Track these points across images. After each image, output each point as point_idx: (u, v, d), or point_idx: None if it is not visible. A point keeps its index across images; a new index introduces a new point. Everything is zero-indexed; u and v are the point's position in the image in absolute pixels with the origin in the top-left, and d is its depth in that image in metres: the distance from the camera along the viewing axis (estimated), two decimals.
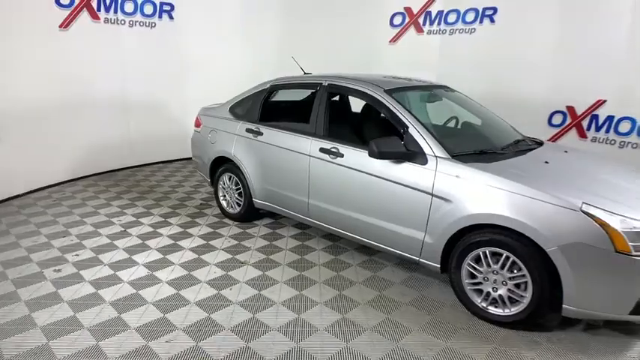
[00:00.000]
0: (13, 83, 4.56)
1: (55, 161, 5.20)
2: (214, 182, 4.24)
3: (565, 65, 5.33)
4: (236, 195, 4.03)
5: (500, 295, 2.44)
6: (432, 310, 2.67)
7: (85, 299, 2.76)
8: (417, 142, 2.72)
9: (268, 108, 3.88)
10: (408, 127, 2.79)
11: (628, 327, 2.50)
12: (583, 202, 2.17)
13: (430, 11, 6.46)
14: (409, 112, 2.88)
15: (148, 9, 5.75)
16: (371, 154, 2.76)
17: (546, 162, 2.71)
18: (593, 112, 5.32)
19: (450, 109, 3.63)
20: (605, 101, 5.20)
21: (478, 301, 2.53)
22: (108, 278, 3.03)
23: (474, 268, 2.51)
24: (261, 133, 3.68)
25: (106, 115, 5.63)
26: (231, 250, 3.51)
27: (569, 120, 5.54)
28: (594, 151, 5.08)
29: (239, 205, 4.03)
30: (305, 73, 4.12)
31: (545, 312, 2.34)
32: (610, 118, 5.21)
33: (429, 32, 6.51)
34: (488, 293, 2.48)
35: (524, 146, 3.02)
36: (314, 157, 3.24)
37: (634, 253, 2.06)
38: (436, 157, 2.63)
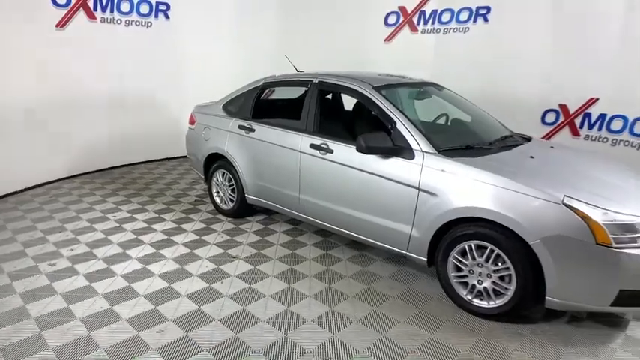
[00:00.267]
0: (10, 82, 4.61)
1: (52, 159, 5.24)
2: (208, 179, 4.28)
3: (558, 64, 5.37)
4: (229, 191, 4.07)
5: (485, 288, 2.48)
6: (419, 303, 2.72)
7: (79, 291, 2.80)
8: (404, 138, 2.76)
9: (260, 105, 3.92)
10: (395, 123, 2.84)
11: (610, 319, 2.54)
12: (565, 196, 2.21)
13: (424, 10, 6.50)
14: (397, 108, 2.92)
15: (144, 8, 5.80)
16: (359, 149, 2.80)
17: (531, 157, 2.76)
18: (586, 111, 5.36)
19: (439, 107, 3.67)
20: (597, 99, 5.23)
21: (464, 293, 2.57)
22: (101, 272, 3.07)
23: (460, 262, 2.55)
24: (253, 130, 3.72)
25: (102, 114, 5.67)
26: (223, 244, 3.55)
27: (562, 118, 5.58)
28: (587, 149, 5.12)
29: (232, 201, 4.07)
30: (297, 71, 4.16)
31: (528, 304, 2.38)
32: (602, 116, 5.25)
33: (424, 31, 6.55)
34: (474, 286, 2.53)
35: (511, 142, 3.06)
36: (304, 153, 3.28)
37: (614, 245, 2.10)
38: (423, 152, 2.68)
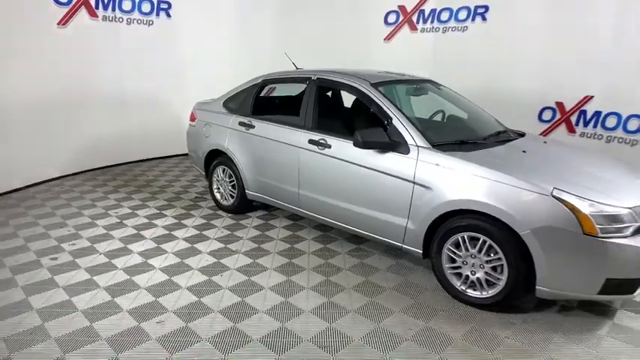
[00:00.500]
0: (12, 79, 4.67)
1: (54, 156, 5.31)
2: (209, 175, 4.34)
3: (554, 62, 5.43)
4: (229, 187, 4.13)
5: (478, 278, 2.54)
6: (415, 294, 2.78)
7: (80, 285, 2.86)
8: (399, 133, 2.82)
9: (260, 102, 3.98)
10: (391, 119, 2.90)
11: (599, 307, 2.60)
12: (554, 188, 2.27)
13: (424, 9, 6.56)
14: (393, 104, 2.98)
15: (146, 7, 5.86)
16: (356, 144, 2.86)
17: (524, 151, 2.82)
18: (582, 108, 5.43)
19: (436, 103, 3.73)
20: (592, 97, 5.30)
21: (458, 284, 2.63)
22: (103, 265, 3.13)
23: (454, 253, 2.61)
24: (253, 126, 3.78)
25: (104, 112, 5.73)
26: (223, 239, 3.61)
27: (558, 116, 5.64)
28: (583, 146, 5.18)
29: (232, 197, 4.13)
30: (297, 69, 4.22)
31: (520, 294, 2.44)
32: (597, 113, 5.31)
33: (423, 30, 6.61)
34: (467, 276, 2.59)
35: (504, 137, 3.12)
36: (303, 148, 3.34)
37: (601, 235, 2.16)
38: (418, 146, 2.74)
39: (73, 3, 5.15)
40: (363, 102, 3.24)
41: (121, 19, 5.67)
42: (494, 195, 2.38)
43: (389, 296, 2.74)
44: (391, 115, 2.91)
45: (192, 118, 4.50)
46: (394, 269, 3.10)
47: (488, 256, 2.47)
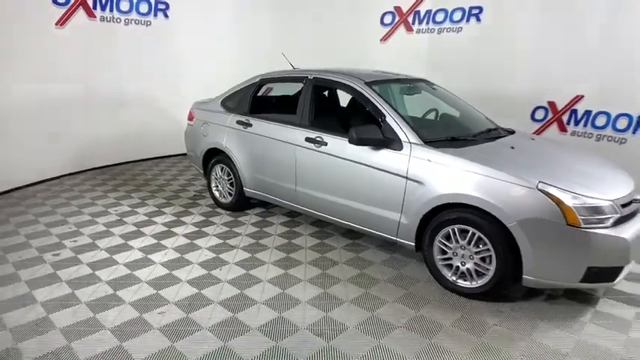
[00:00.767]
0: (11, 79, 4.73)
1: (54, 156, 5.37)
2: (207, 173, 4.43)
3: (547, 62, 5.56)
4: (228, 185, 4.22)
5: (468, 269, 2.64)
6: (408, 285, 2.88)
7: (83, 279, 2.94)
8: (393, 130, 2.92)
9: (258, 101, 4.07)
10: (385, 116, 2.99)
11: (583, 296, 2.72)
12: (539, 182, 2.38)
13: (419, 10, 6.67)
14: (387, 102, 3.08)
15: (143, 8, 5.94)
16: (351, 141, 2.96)
17: (512, 147, 2.92)
18: (573, 107, 5.55)
19: (430, 102, 3.84)
20: (583, 96, 5.42)
21: (449, 275, 2.73)
22: (104, 261, 3.21)
23: (445, 245, 2.71)
24: (250, 125, 3.87)
25: (102, 112, 5.80)
26: (222, 235, 3.69)
27: (550, 115, 5.77)
28: (574, 144, 5.30)
29: (231, 194, 4.22)
30: (294, 68, 4.31)
31: (508, 283, 2.54)
32: (588, 112, 5.44)
33: (419, 31, 6.72)
34: (458, 267, 2.69)
35: (494, 134, 3.22)
36: (300, 146, 3.43)
37: (583, 225, 2.27)
38: (410, 143, 2.84)
39: (71, 3, 5.22)
40: (358, 100, 3.34)
41: (118, 20, 5.74)
42: (483, 189, 2.48)
43: (383, 287, 2.84)
44: (385, 112, 3.01)
45: (191, 118, 4.58)
46: (388, 263, 3.20)
47: (478, 247, 2.57)
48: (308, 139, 3.38)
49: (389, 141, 2.90)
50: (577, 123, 5.56)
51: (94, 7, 5.46)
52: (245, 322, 2.46)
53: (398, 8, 6.80)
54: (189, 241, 3.58)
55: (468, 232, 2.59)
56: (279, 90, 4.45)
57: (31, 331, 2.35)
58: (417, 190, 2.75)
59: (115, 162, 6.12)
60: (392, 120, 2.96)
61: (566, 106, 5.59)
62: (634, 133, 5.00)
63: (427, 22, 6.61)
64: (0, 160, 4.71)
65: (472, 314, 2.52)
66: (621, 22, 4.92)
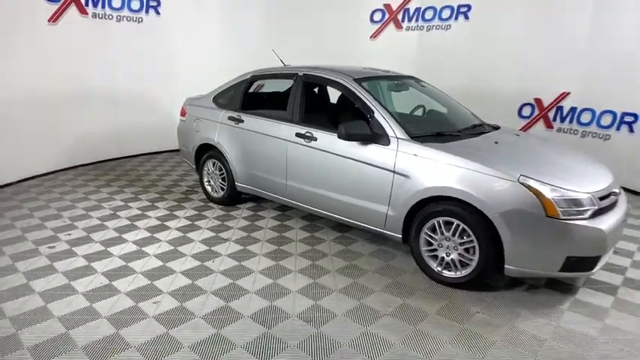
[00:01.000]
0: (1, 76, 4.72)
1: (46, 151, 5.38)
2: (199, 168, 4.49)
3: (533, 59, 5.69)
4: (220, 180, 4.29)
5: (452, 260, 2.75)
6: (395, 275, 2.98)
7: (79, 270, 3.00)
8: (381, 125, 3.01)
9: (249, 97, 4.14)
10: (373, 112, 3.09)
11: (563, 286, 2.84)
12: (521, 175, 2.49)
13: (408, 8, 6.76)
14: (375, 98, 3.17)
15: (135, 4, 5.95)
16: (340, 136, 3.05)
17: (496, 142, 3.03)
18: (559, 104, 5.69)
19: (417, 98, 3.93)
20: (569, 93, 5.56)
21: (434, 265, 2.84)
22: (99, 253, 3.27)
23: (431, 237, 2.82)
24: (242, 121, 3.94)
25: (95, 108, 5.82)
26: (214, 229, 3.77)
27: (537, 112, 5.91)
28: (560, 140, 5.44)
29: (223, 189, 4.29)
30: (284, 65, 4.38)
31: (490, 273, 2.66)
32: (573, 109, 5.58)
33: (408, 28, 6.82)
34: (443, 258, 2.79)
35: (479, 129, 3.33)
36: (291, 141, 3.51)
37: (562, 217, 2.39)
38: (397, 138, 2.93)
39: (63, 0, 5.22)
40: (347, 97, 3.42)
41: (110, 17, 5.75)
42: (467, 182, 2.59)
43: (371, 278, 2.94)
44: (373, 108, 3.10)
45: (183, 114, 4.63)
46: (376, 254, 3.30)
47: (462, 238, 2.67)
48: (298, 135, 3.46)
49: (377, 136, 3.00)
50: (563, 120, 5.70)
51: (86, 4, 5.47)
52: (238, 310, 2.54)
53: (388, 6, 6.88)
54: (183, 234, 3.65)
55: (452, 224, 2.69)
56: (270, 86, 4.52)
57: (30, 320, 2.41)
58: (404, 183, 2.85)
59: (107, 158, 6.14)
60: (380, 116, 3.05)
61: (552, 103, 5.73)
62: (618, 129, 5.15)
63: (416, 20, 6.71)
64: None
65: (456, 303, 2.63)
66: (607, 21, 5.05)
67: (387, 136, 2.97)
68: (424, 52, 6.65)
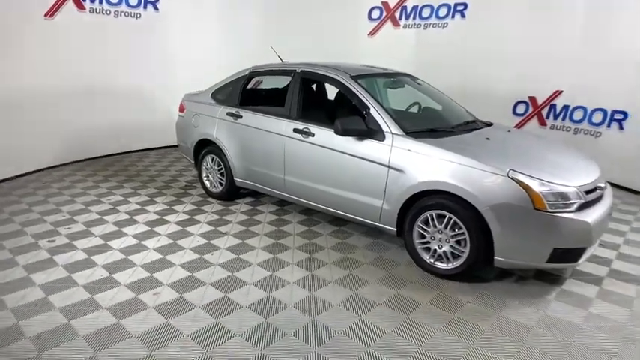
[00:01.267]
0: (0, 71, 4.75)
1: (44, 147, 5.41)
2: (198, 164, 4.55)
3: (528, 58, 5.77)
4: (218, 175, 4.35)
5: (444, 252, 2.83)
6: (389, 267, 3.06)
7: (79, 263, 3.06)
8: (376, 121, 3.08)
9: (247, 93, 4.20)
10: (369, 108, 3.16)
11: (551, 277, 2.94)
12: (510, 169, 2.57)
13: (406, 6, 6.83)
14: (371, 95, 3.24)
15: (133, 0, 5.97)
16: (336, 132, 3.12)
17: (487, 139, 3.12)
18: (552, 102, 5.78)
19: (413, 95, 4.01)
20: (562, 92, 5.65)
21: (427, 257, 2.92)
22: (99, 247, 3.33)
23: (424, 230, 2.90)
24: (240, 116, 4.00)
25: (93, 104, 5.84)
26: (213, 223, 3.83)
27: (531, 109, 6.00)
28: (553, 137, 5.53)
29: (221, 184, 4.35)
30: (282, 62, 4.44)
31: (480, 264, 2.74)
32: (566, 107, 5.68)
33: (405, 26, 6.89)
34: (435, 250, 2.88)
35: (472, 126, 3.41)
36: (288, 137, 3.58)
37: (549, 210, 2.47)
38: (392, 134, 3.01)
39: None
40: (344, 93, 3.49)
41: (108, 12, 5.77)
42: (459, 177, 2.67)
43: (366, 270, 3.02)
44: (369, 105, 3.17)
45: (182, 109, 4.68)
46: (372, 247, 3.38)
47: (453, 231, 2.76)
48: (296, 130, 3.52)
49: (372, 132, 3.07)
50: (556, 117, 5.80)
51: None
52: (236, 300, 2.61)
53: (385, 3, 6.94)
54: (182, 228, 3.71)
55: (444, 217, 2.77)
56: (268, 83, 4.58)
57: (32, 311, 2.47)
58: (399, 178, 2.93)
59: (105, 153, 6.18)
60: (375, 112, 3.12)
61: (545, 100, 5.83)
62: (608, 127, 5.25)
63: (414, 18, 6.77)
64: None
65: (448, 293, 2.72)
66: (600, 21, 5.14)
67: (382, 131, 3.04)
68: (421, 49, 6.72)
